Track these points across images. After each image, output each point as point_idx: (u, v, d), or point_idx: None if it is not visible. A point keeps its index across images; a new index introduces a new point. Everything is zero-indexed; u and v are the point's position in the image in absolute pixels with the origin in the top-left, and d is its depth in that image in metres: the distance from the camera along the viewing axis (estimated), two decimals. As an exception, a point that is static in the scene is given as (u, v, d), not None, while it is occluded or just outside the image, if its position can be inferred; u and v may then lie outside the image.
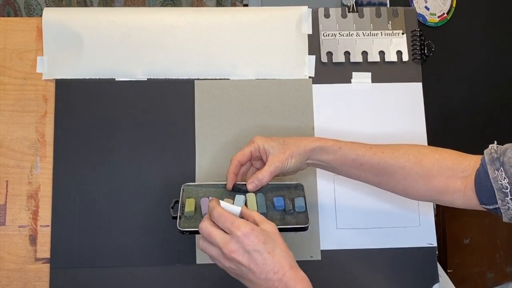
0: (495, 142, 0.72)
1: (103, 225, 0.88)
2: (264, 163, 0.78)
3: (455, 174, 0.73)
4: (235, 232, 0.64)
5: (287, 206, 0.76)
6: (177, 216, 0.73)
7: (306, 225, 0.73)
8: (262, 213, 0.73)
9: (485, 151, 0.72)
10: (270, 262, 0.63)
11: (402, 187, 0.77)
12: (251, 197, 0.76)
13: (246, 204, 0.75)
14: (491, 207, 0.70)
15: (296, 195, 0.78)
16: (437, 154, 0.76)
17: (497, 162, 0.69)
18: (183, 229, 0.72)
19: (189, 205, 0.75)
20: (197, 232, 0.71)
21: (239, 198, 0.75)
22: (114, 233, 0.88)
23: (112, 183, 0.90)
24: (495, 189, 0.68)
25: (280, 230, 0.70)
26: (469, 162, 0.73)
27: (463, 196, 0.73)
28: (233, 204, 0.73)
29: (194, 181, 0.90)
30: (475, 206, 0.73)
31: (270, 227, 0.66)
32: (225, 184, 0.78)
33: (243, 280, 0.66)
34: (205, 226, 0.66)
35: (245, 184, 0.77)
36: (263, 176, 0.76)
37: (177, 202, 0.77)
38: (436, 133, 1.04)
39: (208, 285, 0.89)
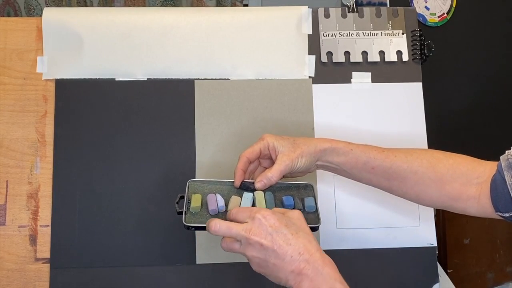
0: None
1: (103, 225, 0.88)
2: (273, 162, 0.76)
3: (469, 180, 0.72)
4: (256, 216, 0.63)
5: (297, 206, 0.74)
6: (182, 212, 0.72)
7: (317, 225, 0.72)
8: None
9: (501, 157, 0.70)
10: (294, 243, 0.62)
11: (414, 193, 0.75)
12: (259, 194, 0.74)
13: (254, 202, 0.73)
14: (507, 215, 0.68)
15: (306, 195, 0.77)
16: (451, 160, 0.74)
17: None
18: (189, 225, 0.70)
19: (195, 201, 0.74)
20: (203, 228, 0.70)
21: (247, 195, 0.74)
22: (114, 233, 0.88)
23: (112, 183, 0.90)
24: None
25: None
26: (484, 169, 0.71)
27: (478, 203, 0.71)
28: (240, 201, 0.73)
29: (194, 181, 0.90)
30: (490, 214, 0.71)
31: (293, 213, 0.65)
32: (232, 181, 0.77)
33: (268, 269, 0.63)
34: (219, 223, 0.65)
35: (253, 182, 0.76)
36: (272, 174, 0.74)
37: (182, 197, 0.75)
38: (436, 133, 1.04)
39: (208, 285, 0.89)
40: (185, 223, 0.71)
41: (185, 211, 0.72)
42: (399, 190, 0.77)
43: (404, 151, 0.76)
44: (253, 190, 0.75)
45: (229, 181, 0.78)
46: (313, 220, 0.73)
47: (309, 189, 0.79)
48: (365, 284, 0.90)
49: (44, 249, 0.88)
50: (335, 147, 0.76)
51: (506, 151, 0.70)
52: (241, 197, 0.74)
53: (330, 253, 0.89)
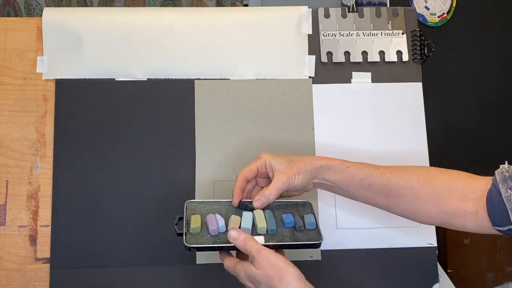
0: (506, 162, 0.70)
1: (103, 225, 0.88)
2: (270, 181, 0.75)
3: (466, 195, 0.71)
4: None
5: (297, 223, 0.74)
6: (182, 233, 0.71)
7: (319, 242, 0.71)
8: (271, 230, 0.72)
9: (496, 171, 0.70)
10: None
11: (411, 209, 0.75)
12: (259, 213, 0.73)
13: (254, 221, 0.72)
14: (505, 228, 0.68)
15: (305, 213, 0.76)
16: (447, 175, 0.74)
17: (509, 181, 0.67)
18: (191, 246, 0.69)
19: (195, 222, 0.72)
20: (204, 249, 0.70)
21: (247, 214, 0.73)
22: (114, 233, 0.88)
23: (112, 183, 0.90)
24: (508, 209, 0.66)
25: (292, 247, 0.69)
26: (479, 184, 0.71)
27: (475, 218, 0.71)
28: (240, 221, 0.72)
29: (194, 181, 0.90)
30: (488, 229, 0.71)
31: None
32: (230, 201, 0.76)
33: None
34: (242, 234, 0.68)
35: (251, 202, 0.75)
36: (270, 192, 0.74)
37: (180, 218, 0.74)
38: (436, 133, 1.04)
39: (208, 285, 0.89)
40: (186, 244, 0.69)
41: (185, 232, 0.71)
42: (397, 208, 0.76)
43: (400, 167, 0.76)
44: (251, 209, 0.74)
45: (226, 201, 0.77)
46: (314, 237, 0.72)
47: (308, 207, 0.78)
48: (365, 284, 0.90)
49: (44, 249, 0.88)
50: (331, 164, 0.76)
51: (501, 166, 0.70)
52: (241, 216, 0.73)
53: (330, 253, 0.90)
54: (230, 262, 0.69)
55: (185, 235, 0.71)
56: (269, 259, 0.65)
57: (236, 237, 0.68)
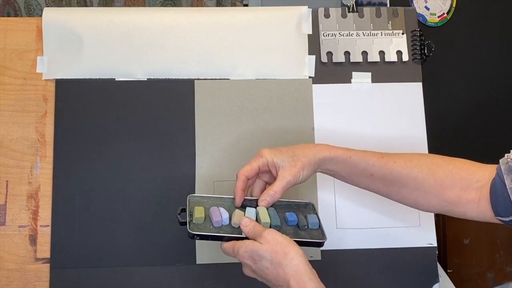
0: (511, 151, 0.70)
1: (103, 225, 0.88)
2: (272, 175, 0.75)
3: (469, 184, 0.71)
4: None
5: (301, 222, 0.74)
6: (185, 222, 0.71)
7: (322, 241, 0.72)
8: (275, 226, 0.71)
9: (500, 161, 0.69)
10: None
11: (413, 198, 0.75)
12: (262, 210, 0.73)
13: (257, 217, 0.72)
14: (507, 219, 0.68)
15: (307, 213, 0.76)
16: (451, 165, 0.73)
17: None
18: (194, 233, 0.69)
19: (199, 212, 0.72)
20: (207, 237, 0.70)
21: (250, 210, 0.73)
22: (114, 233, 0.88)
23: (112, 183, 0.90)
24: None
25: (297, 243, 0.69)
26: (483, 172, 0.71)
27: (477, 207, 0.71)
28: (244, 215, 0.72)
29: (194, 181, 0.90)
30: (489, 218, 0.71)
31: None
32: (232, 198, 0.76)
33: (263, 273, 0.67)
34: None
35: (254, 200, 0.75)
36: (276, 192, 0.73)
37: (183, 210, 0.74)
38: (436, 133, 1.04)
39: (208, 285, 0.89)
40: (190, 231, 0.69)
41: (189, 221, 0.71)
42: (398, 195, 0.76)
43: (404, 157, 0.76)
44: (254, 207, 0.74)
45: (229, 198, 0.77)
46: (317, 236, 0.73)
47: (310, 208, 0.78)
48: (365, 284, 0.90)
49: (44, 249, 0.88)
50: (334, 156, 0.75)
51: (506, 155, 0.69)
52: (244, 211, 0.73)
53: (330, 253, 0.90)
54: (229, 244, 0.70)
55: (189, 223, 0.71)
56: (275, 236, 0.66)
57: (248, 223, 0.69)
